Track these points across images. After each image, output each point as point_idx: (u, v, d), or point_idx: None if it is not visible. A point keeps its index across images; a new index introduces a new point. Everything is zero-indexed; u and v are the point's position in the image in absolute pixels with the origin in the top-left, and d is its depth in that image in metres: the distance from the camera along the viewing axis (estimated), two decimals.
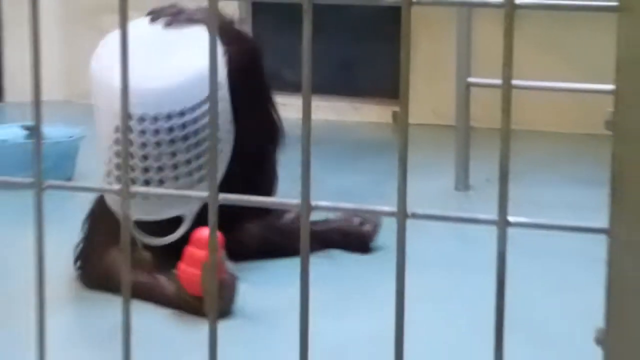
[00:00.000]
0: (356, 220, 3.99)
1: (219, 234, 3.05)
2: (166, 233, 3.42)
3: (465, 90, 5.01)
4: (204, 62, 3.29)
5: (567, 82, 5.34)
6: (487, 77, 4.83)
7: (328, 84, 6.49)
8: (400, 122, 1.30)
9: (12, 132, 4.97)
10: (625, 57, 1.13)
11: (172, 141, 3.36)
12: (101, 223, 3.60)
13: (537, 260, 3.79)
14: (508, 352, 1.26)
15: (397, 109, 6.77)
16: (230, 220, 3.24)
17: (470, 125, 5.02)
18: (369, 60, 7.01)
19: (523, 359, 2.84)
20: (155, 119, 3.34)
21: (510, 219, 1.25)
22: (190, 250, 3.20)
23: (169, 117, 3.34)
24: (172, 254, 3.33)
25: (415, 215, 1.29)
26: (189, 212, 3.39)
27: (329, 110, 6.56)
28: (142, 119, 3.34)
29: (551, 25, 5.99)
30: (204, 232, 3.13)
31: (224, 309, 3.11)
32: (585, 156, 5.52)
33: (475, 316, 3.19)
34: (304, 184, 1.30)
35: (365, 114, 6.86)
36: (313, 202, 1.30)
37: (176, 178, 3.39)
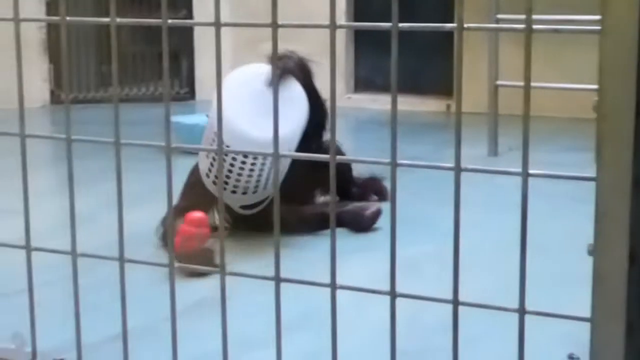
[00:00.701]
0: (362, 206, 3.59)
1: (202, 214, 2.97)
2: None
3: (494, 89, 5.03)
4: (294, 122, 3.19)
5: (563, 83, 5.32)
6: (508, 80, 4.85)
7: (402, 85, 6.45)
8: (456, 110, 1.30)
9: (201, 119, 5.10)
10: (604, 65, 1.13)
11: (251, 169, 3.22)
12: (192, 191, 3.40)
13: (545, 200, 3.75)
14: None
15: (449, 101, 6.73)
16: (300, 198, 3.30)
17: (498, 112, 5.05)
18: (429, 67, 6.97)
19: (534, 268, 2.80)
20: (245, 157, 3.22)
21: (530, 171, 1.24)
22: (183, 227, 2.95)
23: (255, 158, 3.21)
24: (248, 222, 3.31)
25: (466, 169, 1.28)
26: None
27: (403, 103, 6.51)
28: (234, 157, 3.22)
29: (555, 42, 5.91)
30: (194, 214, 2.96)
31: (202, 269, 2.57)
32: (576, 132, 5.46)
33: (499, 239, 3.16)
34: (392, 149, 1.29)
35: (428, 105, 6.82)
36: (398, 161, 1.30)
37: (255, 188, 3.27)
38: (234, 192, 3.24)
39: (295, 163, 3.15)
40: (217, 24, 1.42)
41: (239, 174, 3.19)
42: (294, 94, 3.40)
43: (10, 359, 1.64)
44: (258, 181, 3.22)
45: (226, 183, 3.20)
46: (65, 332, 2.30)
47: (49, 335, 2.27)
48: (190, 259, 2.50)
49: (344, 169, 3.84)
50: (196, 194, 3.33)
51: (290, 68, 3.44)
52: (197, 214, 2.96)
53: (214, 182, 3.23)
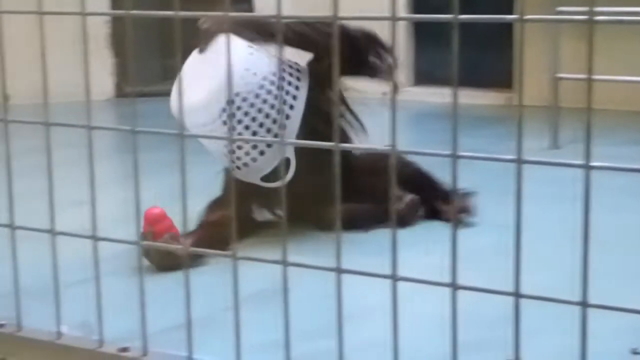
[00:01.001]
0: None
1: (159, 209, 2.94)
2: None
3: (555, 82, 4.97)
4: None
5: (625, 75, 5.25)
6: (569, 73, 4.79)
7: (462, 77, 6.38)
8: (517, 103, 1.28)
9: None
10: None
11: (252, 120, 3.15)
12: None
13: (606, 194, 3.70)
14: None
15: (510, 94, 6.67)
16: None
17: (559, 105, 5.00)
18: (490, 60, 6.91)
19: (595, 261, 2.77)
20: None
21: (592, 163, 1.23)
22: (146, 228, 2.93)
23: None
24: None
25: (527, 161, 1.27)
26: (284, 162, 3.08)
27: (463, 96, 6.46)
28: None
29: (617, 34, 5.83)
30: (152, 212, 2.93)
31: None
32: (638, 125, 5.38)
33: (560, 232, 3.13)
34: (453, 140, 1.28)
35: (488, 98, 6.77)
36: (458, 153, 1.29)
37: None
38: (245, 165, 3.20)
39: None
40: (279, 17, 1.43)
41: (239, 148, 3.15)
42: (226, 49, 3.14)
43: (78, 346, 1.67)
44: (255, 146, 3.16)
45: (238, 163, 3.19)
46: (130, 321, 2.33)
47: (114, 324, 2.30)
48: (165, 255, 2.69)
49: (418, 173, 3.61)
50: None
51: (214, 28, 3.19)
52: (155, 211, 2.94)
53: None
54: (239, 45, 3.19)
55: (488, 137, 5.23)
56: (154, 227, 2.88)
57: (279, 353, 1.57)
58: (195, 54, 3.23)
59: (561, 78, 4.97)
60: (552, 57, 4.99)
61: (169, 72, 7.51)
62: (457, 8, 1.31)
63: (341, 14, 1.40)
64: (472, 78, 6.65)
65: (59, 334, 1.69)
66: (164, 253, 2.77)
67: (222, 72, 2.77)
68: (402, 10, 6.95)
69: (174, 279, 2.62)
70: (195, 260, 2.71)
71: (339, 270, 1.41)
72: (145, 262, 2.82)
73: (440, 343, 1.57)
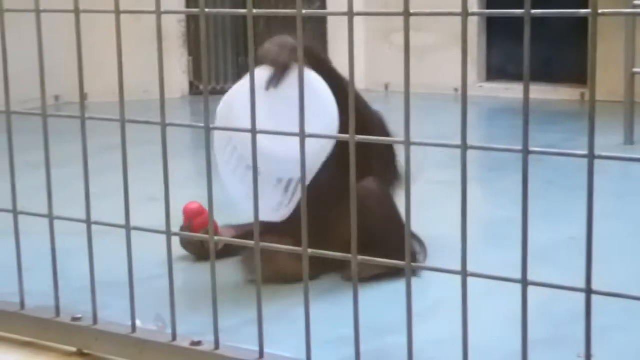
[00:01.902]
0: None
1: (197, 204, 2.91)
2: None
3: (631, 77, 4.89)
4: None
5: None
6: None
7: (535, 73, 6.31)
8: (590, 99, 1.27)
9: None
10: None
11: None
12: None
13: None
14: None
15: (583, 90, 6.57)
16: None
17: (634, 101, 4.92)
18: (563, 55, 6.83)
19: None
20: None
21: None
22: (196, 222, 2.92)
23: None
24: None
25: (600, 157, 1.25)
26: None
27: (536, 91, 6.40)
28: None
29: None
30: (191, 206, 2.95)
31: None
32: None
33: (633, 228, 3.09)
34: (524, 135, 1.27)
35: (561, 94, 6.68)
36: (530, 149, 1.28)
37: None
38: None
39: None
40: (350, 14, 1.43)
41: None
42: (311, 87, 2.55)
43: (152, 339, 1.69)
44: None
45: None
46: (203, 315, 2.36)
47: (187, 318, 2.33)
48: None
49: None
50: None
51: (284, 59, 2.65)
52: (193, 206, 2.99)
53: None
54: (319, 82, 2.70)
55: (561, 133, 5.17)
56: (193, 220, 2.97)
57: (349, 348, 1.57)
58: (256, 84, 2.43)
59: (637, 73, 4.88)
60: (628, 52, 4.90)
61: (243, 70, 7.57)
62: (530, 2, 1.30)
63: (413, 9, 1.39)
64: (545, 73, 6.58)
65: (134, 328, 1.71)
66: (200, 244, 2.84)
67: (323, 119, 2.52)
68: (475, 6, 6.90)
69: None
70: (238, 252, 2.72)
71: (410, 267, 1.41)
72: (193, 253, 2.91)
73: (510, 340, 1.55)
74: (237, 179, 2.54)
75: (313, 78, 2.65)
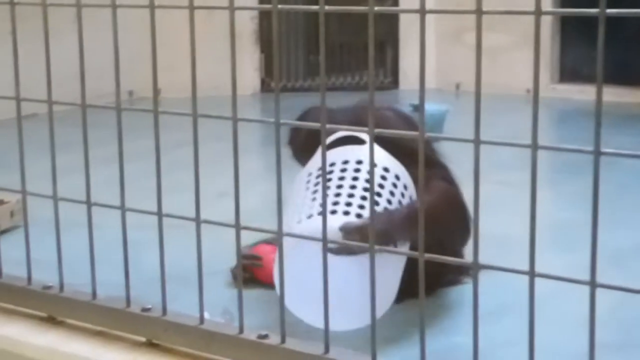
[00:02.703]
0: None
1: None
2: None
3: None
4: None
5: None
6: None
7: (609, 74, 6.22)
8: None
9: (405, 108, 5.11)
10: None
11: None
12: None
13: None
14: None
15: None
16: None
17: None
18: (639, 57, 6.73)
19: None
20: None
21: None
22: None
23: None
24: None
25: None
26: None
27: (610, 94, 6.30)
28: None
29: None
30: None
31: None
32: None
33: None
34: (596, 137, 1.25)
35: (637, 96, 6.58)
36: (602, 150, 1.26)
37: None
38: None
39: None
40: (422, 11, 1.43)
41: None
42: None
43: (220, 332, 1.71)
44: None
45: None
46: (270, 310, 2.38)
47: (254, 312, 2.35)
48: None
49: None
50: None
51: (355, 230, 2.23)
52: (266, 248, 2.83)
53: None
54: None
55: (636, 136, 5.09)
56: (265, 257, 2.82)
57: (415, 347, 1.57)
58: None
59: None
60: None
61: (314, 68, 7.60)
62: (605, 2, 1.28)
63: (486, 8, 1.39)
64: (620, 75, 6.47)
65: (202, 320, 1.73)
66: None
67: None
68: (548, 5, 6.83)
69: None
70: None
71: (477, 266, 1.40)
72: None
73: (578, 343, 1.54)
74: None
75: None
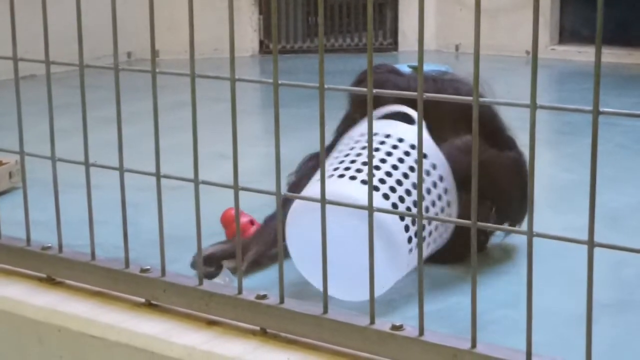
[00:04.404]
0: None
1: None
2: None
3: None
4: None
5: None
6: None
7: (609, 36, 6.19)
8: None
9: (403, 69, 5.08)
10: None
11: None
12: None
13: None
14: None
15: None
16: None
17: None
18: (638, 18, 6.70)
19: None
20: None
21: None
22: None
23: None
24: None
25: None
26: None
27: (609, 55, 6.29)
28: None
29: None
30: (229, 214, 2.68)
31: None
32: None
33: None
34: (595, 97, 1.25)
35: (636, 57, 6.56)
36: (601, 109, 1.26)
37: None
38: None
39: None
40: None
41: None
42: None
43: (219, 292, 1.71)
44: None
45: None
46: (270, 270, 2.39)
47: (253, 273, 2.36)
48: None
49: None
50: None
51: None
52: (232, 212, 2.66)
53: None
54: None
55: (636, 97, 5.08)
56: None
57: (413, 307, 1.58)
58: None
59: None
60: None
61: (313, 30, 7.56)
62: None
63: None
64: (620, 37, 6.45)
65: (201, 281, 1.73)
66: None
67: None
68: None
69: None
70: None
71: (476, 225, 1.40)
72: None
73: (576, 303, 1.55)
74: None
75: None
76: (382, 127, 2.38)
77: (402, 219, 2.16)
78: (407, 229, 2.17)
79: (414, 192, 2.22)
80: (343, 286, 2.04)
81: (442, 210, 2.32)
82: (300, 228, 2.15)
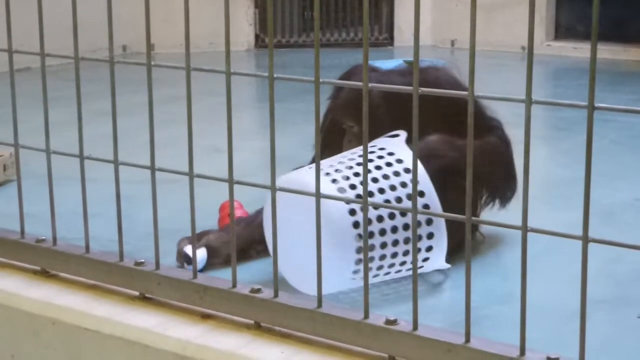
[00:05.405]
0: None
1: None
2: None
3: None
4: None
5: None
6: None
7: (604, 32, 6.19)
8: None
9: (397, 63, 5.08)
10: None
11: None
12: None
13: None
14: None
15: None
16: None
17: None
18: (634, 15, 6.70)
19: None
20: None
21: None
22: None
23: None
24: None
25: None
26: None
27: (605, 51, 6.29)
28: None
29: None
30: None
31: None
32: None
33: None
34: (590, 93, 1.25)
35: (631, 54, 6.56)
36: (596, 105, 1.26)
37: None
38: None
39: None
40: None
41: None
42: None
43: (213, 285, 1.71)
44: None
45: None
46: (265, 264, 2.39)
47: (248, 266, 2.36)
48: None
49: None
50: None
51: None
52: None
53: None
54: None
55: (631, 94, 5.08)
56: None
57: (407, 302, 1.58)
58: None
59: None
60: None
61: (309, 24, 7.56)
62: None
63: None
64: (616, 33, 6.45)
65: (195, 274, 1.73)
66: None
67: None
68: None
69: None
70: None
71: (470, 221, 1.40)
72: None
73: (570, 299, 1.55)
74: None
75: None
76: (380, 141, 2.36)
77: (351, 213, 2.14)
78: (356, 225, 2.15)
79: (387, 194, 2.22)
80: (304, 278, 1.98)
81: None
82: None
